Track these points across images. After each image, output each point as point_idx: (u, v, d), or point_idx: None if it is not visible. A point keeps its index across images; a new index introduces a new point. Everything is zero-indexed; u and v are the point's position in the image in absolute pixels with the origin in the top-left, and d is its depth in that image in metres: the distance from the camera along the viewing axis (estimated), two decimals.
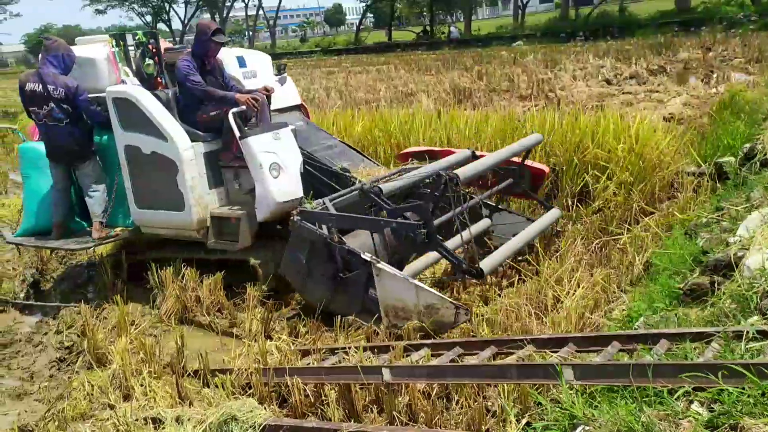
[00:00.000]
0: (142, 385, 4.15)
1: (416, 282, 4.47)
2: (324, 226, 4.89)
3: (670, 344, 3.03)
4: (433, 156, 6.17)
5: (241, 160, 5.48)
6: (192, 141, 5.52)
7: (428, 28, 50.09)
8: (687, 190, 6.06)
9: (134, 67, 5.95)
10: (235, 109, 5.42)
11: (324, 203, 5.12)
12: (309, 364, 4.16)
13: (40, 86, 5.65)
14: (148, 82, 5.87)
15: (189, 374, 4.35)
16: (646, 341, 3.14)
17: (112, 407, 4.01)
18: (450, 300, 4.40)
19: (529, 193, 6.11)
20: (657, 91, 12.62)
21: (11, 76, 53.99)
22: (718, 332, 2.92)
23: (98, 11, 58.43)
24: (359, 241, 5.04)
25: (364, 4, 58.83)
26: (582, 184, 6.65)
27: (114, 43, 5.96)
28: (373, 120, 9.10)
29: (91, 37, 6.44)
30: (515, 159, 5.85)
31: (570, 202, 6.55)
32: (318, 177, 5.81)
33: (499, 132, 7.82)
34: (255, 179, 5.31)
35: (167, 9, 59.42)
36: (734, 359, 2.61)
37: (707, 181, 6.13)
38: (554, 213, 5.85)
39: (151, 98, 5.59)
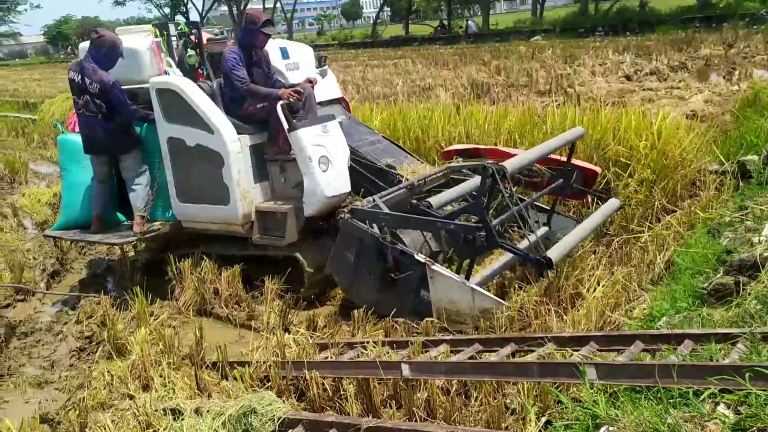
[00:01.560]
0: (161, 376, 4.18)
1: (473, 285, 4.33)
2: (375, 225, 4.77)
3: (695, 345, 2.99)
4: (478, 154, 6.03)
5: (287, 154, 5.40)
6: (238, 133, 5.40)
7: (446, 22, 49.86)
8: (709, 189, 5.98)
9: (176, 58, 5.86)
10: (283, 101, 5.30)
11: (374, 201, 5.00)
12: (327, 358, 4.17)
13: (79, 77, 5.63)
14: (190, 74, 5.79)
15: (207, 366, 4.36)
16: (670, 341, 3.10)
17: (131, 397, 4.05)
18: (508, 305, 4.28)
19: (584, 190, 5.82)
20: (678, 88, 12.48)
21: (30, 66, 54.54)
22: (744, 333, 2.88)
23: (117, 3, 58.78)
24: (407, 240, 4.93)
25: None
26: (603, 182, 6.58)
27: (157, 33, 5.85)
28: (391, 114, 9.07)
29: (131, 27, 6.33)
30: (561, 158, 5.68)
31: (590, 200, 6.48)
32: (361, 173, 5.69)
33: (518, 128, 7.76)
34: (303, 173, 5.18)
35: (185, 1, 59.60)
36: (761, 361, 2.57)
37: (730, 179, 6.05)
38: (614, 203, 5.63)
39: (196, 89, 5.48)
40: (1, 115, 18.71)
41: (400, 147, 6.64)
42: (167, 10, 59.72)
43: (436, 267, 4.46)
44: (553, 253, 4.50)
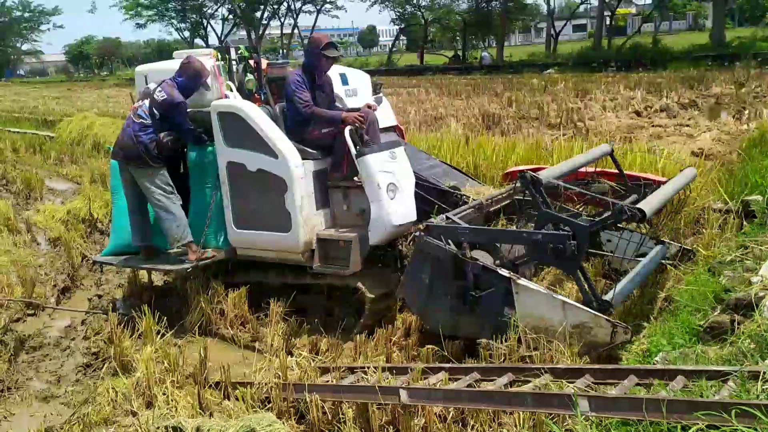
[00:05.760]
0: (164, 394, 4.26)
1: (563, 298, 4.10)
2: (451, 242, 4.54)
3: (687, 381, 3.05)
4: None
5: (350, 181, 5.35)
6: (302, 158, 5.32)
7: (460, 52, 50.41)
8: (712, 227, 6.02)
9: (236, 82, 5.90)
10: (350, 127, 5.23)
11: (449, 218, 4.80)
12: (328, 381, 4.23)
13: (153, 85, 5.64)
14: (249, 99, 5.79)
15: (210, 385, 4.44)
16: (663, 377, 3.15)
17: (134, 414, 4.12)
18: (605, 317, 3.99)
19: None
20: (687, 125, 12.57)
21: (50, 84, 55.41)
22: (735, 371, 2.93)
23: (138, 25, 59.81)
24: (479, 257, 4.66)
25: (397, 27, 59.47)
26: None
27: (219, 57, 5.89)
28: None
29: (193, 51, 6.35)
30: (626, 173, 5.65)
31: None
32: (424, 197, 5.62)
33: (525, 160, 7.88)
34: (371, 200, 5.09)
35: (205, 25, 60.64)
36: (750, 399, 2.62)
37: (733, 218, 6.09)
38: (691, 170, 5.41)
39: (260, 113, 5.42)
40: (19, 131, 19.06)
41: (459, 170, 6.61)
42: (187, 33, 60.73)
43: (522, 281, 4.23)
44: (646, 206, 4.24)
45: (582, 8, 55.05)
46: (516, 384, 3.64)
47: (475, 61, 45.97)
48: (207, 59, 5.85)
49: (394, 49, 60.21)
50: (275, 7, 56.17)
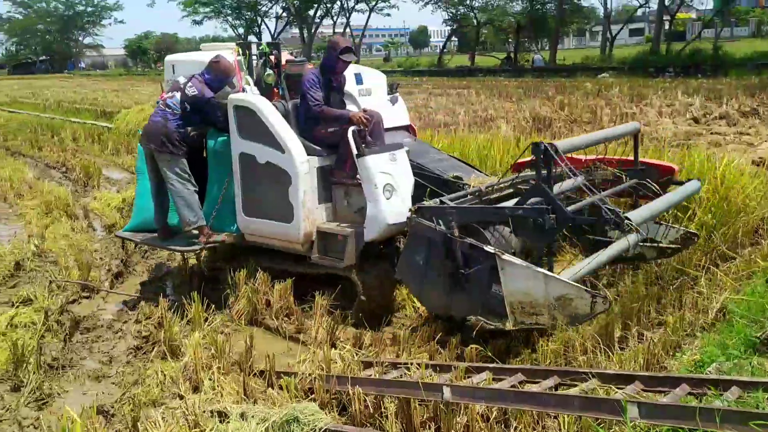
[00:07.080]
0: (210, 380, 4.32)
1: (543, 270, 4.11)
2: (442, 222, 4.62)
3: (742, 392, 2.96)
4: None
5: (352, 179, 5.50)
6: (308, 154, 5.53)
7: (512, 54, 49.92)
8: None
9: (255, 77, 6.08)
10: (353, 128, 5.37)
11: (442, 201, 4.92)
12: (371, 375, 4.24)
13: (182, 79, 5.90)
14: (266, 93, 5.97)
15: (255, 374, 4.50)
16: (716, 386, 3.06)
17: (181, 397, 4.20)
18: (584, 288, 4.04)
19: (658, 191, 5.43)
20: (747, 134, 12.19)
21: (110, 78, 57.13)
22: None
23: (195, 22, 61.21)
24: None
25: (449, 28, 59.30)
26: None
27: (240, 52, 6.08)
28: (452, 142, 9.18)
29: (217, 44, 6.58)
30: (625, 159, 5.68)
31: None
32: (427, 187, 5.70)
33: None
34: (368, 198, 5.25)
35: (259, 23, 61.65)
36: None
37: None
38: (694, 184, 5.42)
39: (272, 109, 5.64)
40: (79, 121, 19.72)
41: (467, 164, 6.65)
42: (241, 30, 61.85)
43: (506, 256, 4.23)
44: (635, 215, 4.21)
45: (639, 12, 53.88)
46: (562, 387, 3.58)
47: (527, 63, 45.46)
48: (229, 53, 6.07)
49: (445, 50, 59.97)
50: (328, 5, 56.65)
